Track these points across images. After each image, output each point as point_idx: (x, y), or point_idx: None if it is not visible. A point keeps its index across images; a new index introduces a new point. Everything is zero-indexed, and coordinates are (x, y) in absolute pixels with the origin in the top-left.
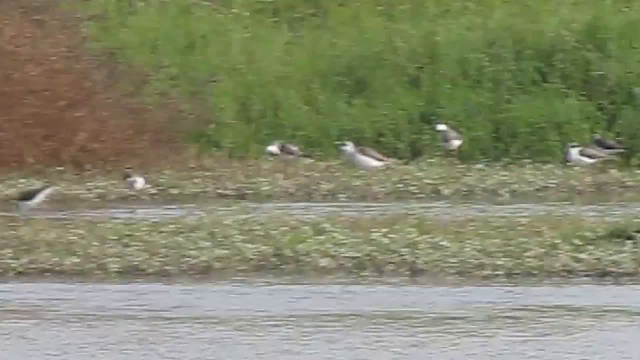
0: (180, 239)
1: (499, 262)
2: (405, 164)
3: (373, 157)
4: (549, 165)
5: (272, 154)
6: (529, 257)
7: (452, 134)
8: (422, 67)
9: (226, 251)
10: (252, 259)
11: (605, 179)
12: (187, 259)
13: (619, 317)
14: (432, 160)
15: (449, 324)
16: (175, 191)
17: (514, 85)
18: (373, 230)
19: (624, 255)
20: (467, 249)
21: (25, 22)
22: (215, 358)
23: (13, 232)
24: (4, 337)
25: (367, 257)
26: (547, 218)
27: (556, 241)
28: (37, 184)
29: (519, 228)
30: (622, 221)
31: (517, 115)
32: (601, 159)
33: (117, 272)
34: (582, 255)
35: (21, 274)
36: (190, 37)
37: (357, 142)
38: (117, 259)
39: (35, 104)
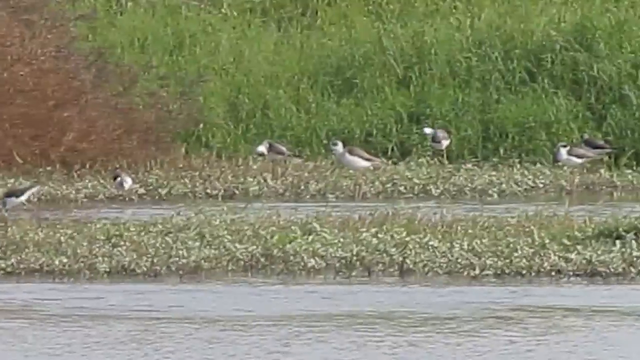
0: (169, 239)
1: (488, 262)
2: (394, 163)
3: (362, 157)
4: (538, 165)
5: (261, 155)
6: (518, 257)
7: (441, 134)
8: (410, 67)
9: (215, 251)
10: (241, 259)
11: (595, 179)
12: (176, 259)
13: (609, 317)
14: (421, 160)
15: (439, 324)
16: (163, 191)
17: (503, 85)
18: (362, 230)
19: (613, 255)
20: (456, 249)
21: (13, 21)
22: (206, 358)
23: (1, 232)
24: None
25: (356, 257)
26: (536, 218)
27: (545, 241)
28: (25, 183)
29: (508, 228)
30: (611, 221)
31: (506, 115)
32: (590, 158)
33: (106, 272)
34: (572, 255)
35: (10, 274)
36: (179, 37)
37: (346, 142)
38: (106, 259)
39: (23, 104)
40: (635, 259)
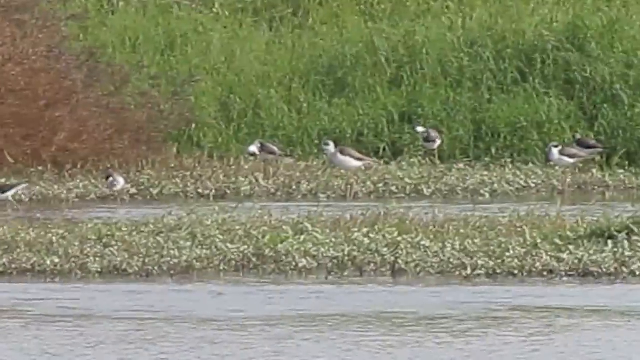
0: (161, 239)
1: (480, 262)
2: (386, 163)
3: (353, 156)
4: (530, 165)
5: (252, 155)
6: (510, 257)
7: (433, 133)
8: (402, 67)
9: (207, 251)
10: (232, 259)
11: (587, 179)
12: (168, 259)
13: (601, 317)
14: (413, 160)
15: (431, 324)
16: (155, 191)
17: (495, 85)
18: (354, 230)
19: (605, 255)
20: (448, 249)
21: (5, 21)
22: (200, 358)
23: None
24: None
25: (348, 257)
26: (528, 218)
27: (537, 241)
28: (14, 181)
29: (500, 228)
30: (603, 221)
31: (498, 115)
32: (582, 158)
33: (98, 272)
34: (564, 255)
35: (1, 274)
36: (171, 36)
37: (338, 142)
38: (98, 259)
39: (15, 104)
40: (627, 258)
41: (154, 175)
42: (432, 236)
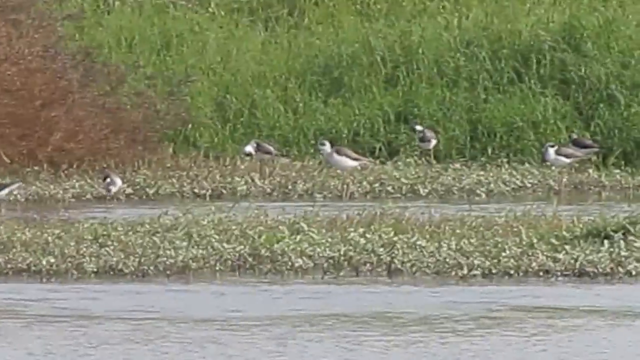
0: (157, 239)
1: (476, 262)
2: (382, 163)
3: (349, 156)
4: (526, 165)
5: (248, 155)
6: (506, 257)
7: (428, 133)
8: (398, 67)
9: (203, 251)
10: (228, 259)
11: (583, 179)
12: (164, 259)
13: (597, 317)
14: (409, 159)
15: (432, 324)
16: (151, 191)
17: (491, 85)
18: (350, 230)
19: (601, 255)
20: (444, 249)
21: (0, 21)
22: (203, 358)
23: None
24: None
25: (344, 257)
26: (524, 218)
27: (533, 241)
28: (8, 181)
29: (496, 228)
30: (599, 221)
31: (494, 115)
32: (578, 158)
33: (94, 272)
34: (560, 255)
35: None
36: (166, 36)
37: (334, 142)
38: (94, 259)
39: (10, 104)
40: (623, 258)
41: (150, 175)
42: (428, 236)
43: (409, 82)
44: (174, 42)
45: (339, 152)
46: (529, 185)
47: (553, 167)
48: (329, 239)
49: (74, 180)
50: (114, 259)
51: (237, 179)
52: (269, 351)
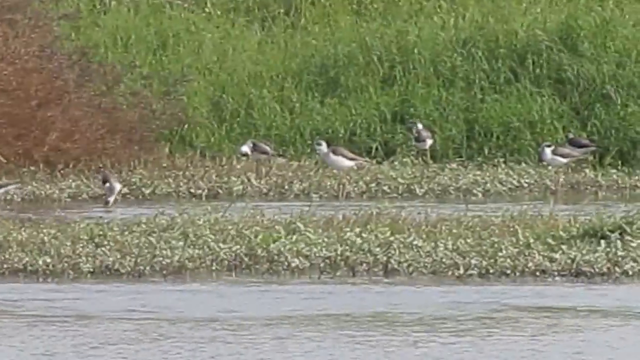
0: (153, 238)
1: (472, 262)
2: (379, 163)
3: (346, 156)
4: (523, 165)
5: (244, 155)
6: (502, 256)
7: (424, 133)
8: (394, 67)
9: (199, 251)
10: (225, 259)
11: (579, 179)
12: (160, 258)
13: (593, 317)
14: (406, 159)
15: (423, 324)
16: (147, 190)
17: (487, 85)
18: (346, 229)
19: (598, 255)
20: (441, 249)
21: None
22: (211, 358)
23: None
24: None
25: (340, 257)
26: (520, 218)
27: (530, 241)
28: (5, 181)
29: (493, 228)
30: (596, 221)
31: (491, 115)
32: (575, 158)
33: (90, 272)
34: (556, 255)
35: None
36: (163, 36)
37: (330, 142)
38: (90, 259)
39: (6, 104)
40: (620, 258)
41: (146, 175)
42: (424, 236)
43: (406, 82)
44: (170, 41)
45: (335, 152)
46: (526, 185)
47: (550, 167)
48: (326, 239)
49: (70, 180)
50: (110, 259)
51: (233, 178)
52: (266, 351)
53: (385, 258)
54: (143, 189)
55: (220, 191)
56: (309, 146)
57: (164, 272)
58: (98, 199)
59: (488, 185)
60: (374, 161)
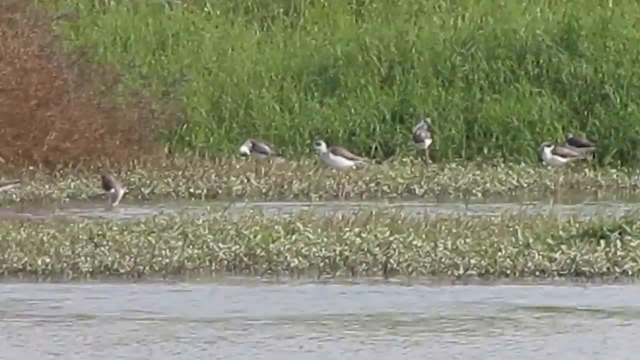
0: (152, 238)
1: (472, 262)
2: (378, 163)
3: (345, 156)
4: (522, 165)
5: (244, 155)
6: (502, 256)
7: (423, 133)
8: (394, 67)
9: (198, 251)
10: (224, 259)
11: (579, 178)
12: (159, 258)
13: (593, 317)
14: (405, 159)
15: (423, 324)
16: (146, 190)
17: (487, 85)
18: (345, 229)
19: (597, 254)
20: (440, 249)
21: None
22: (193, 358)
23: None
24: None
25: (340, 257)
26: (520, 217)
27: (529, 241)
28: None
29: (492, 227)
30: (595, 220)
31: (490, 115)
32: (574, 158)
33: (89, 272)
34: (556, 255)
35: None
36: (162, 36)
37: (330, 142)
38: (89, 259)
39: (6, 103)
40: (619, 258)
41: (146, 175)
42: (424, 236)
43: (405, 82)
44: (170, 41)
45: (334, 152)
46: (525, 184)
47: (549, 167)
48: (325, 239)
49: (70, 180)
50: (110, 258)
51: (232, 178)
52: (270, 351)
53: (384, 258)
54: (142, 189)
55: (219, 191)
56: (308, 146)
57: (163, 272)
58: (97, 199)
59: (487, 185)
60: (374, 161)
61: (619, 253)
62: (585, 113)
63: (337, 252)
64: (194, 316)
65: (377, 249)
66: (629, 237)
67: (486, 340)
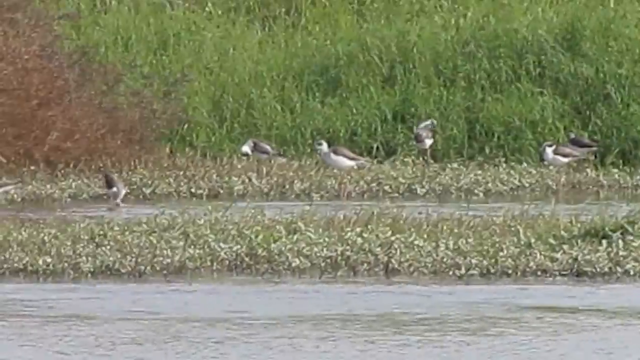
0: (153, 238)
1: (473, 262)
2: (380, 163)
3: (346, 156)
4: (524, 165)
5: (245, 155)
6: (503, 256)
7: (423, 133)
8: (395, 66)
9: (199, 251)
10: (225, 259)
11: (581, 178)
12: (160, 258)
13: (595, 317)
14: (407, 159)
15: (424, 324)
16: (148, 190)
17: (488, 85)
18: (347, 229)
19: (599, 254)
20: (442, 249)
21: None
22: (194, 358)
23: None
24: None
25: (341, 257)
26: (522, 217)
27: (531, 241)
28: (7, 180)
29: (494, 227)
30: (597, 220)
31: (492, 115)
32: (576, 157)
33: (90, 272)
34: (558, 255)
35: None
36: (163, 36)
37: (331, 141)
38: (90, 259)
39: (7, 103)
40: (621, 258)
41: (147, 175)
42: (425, 236)
43: (407, 82)
44: (171, 41)
45: (336, 152)
46: (527, 184)
47: (551, 167)
48: (326, 239)
49: (71, 180)
50: (111, 258)
51: (234, 178)
52: (274, 351)
53: (386, 258)
54: (144, 189)
55: (221, 191)
56: (309, 146)
57: (165, 272)
58: (99, 198)
59: (489, 184)
60: (375, 161)
61: (620, 253)
62: (587, 113)
63: (339, 252)
64: (196, 316)
65: (379, 249)
66: (631, 237)
67: (486, 340)
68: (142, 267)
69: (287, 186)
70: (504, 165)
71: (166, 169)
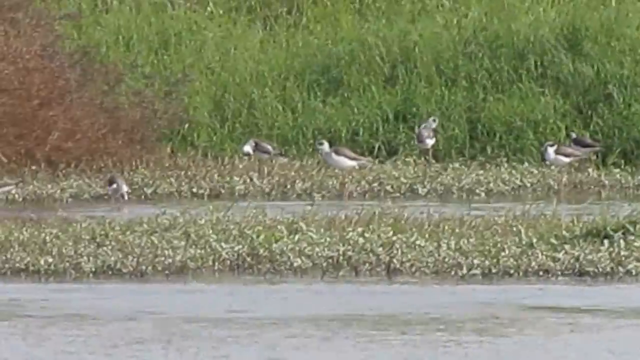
0: (155, 238)
1: (475, 262)
2: (381, 162)
3: (348, 156)
4: (526, 164)
5: (247, 154)
6: (505, 256)
7: (425, 133)
8: (397, 66)
9: (201, 251)
10: (227, 259)
11: (582, 178)
12: (162, 258)
13: (597, 317)
14: (408, 159)
15: (425, 324)
16: (149, 190)
17: (490, 84)
18: (348, 229)
19: (601, 254)
20: (443, 249)
21: None
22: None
23: None
24: None
25: (343, 257)
26: (523, 217)
27: (533, 240)
28: (9, 180)
29: (496, 227)
30: (599, 220)
31: (493, 114)
32: (578, 157)
33: (92, 272)
34: (559, 255)
35: None
36: (164, 35)
37: (333, 141)
38: (92, 259)
39: (8, 103)
40: (623, 258)
41: (148, 175)
42: (427, 236)
43: (408, 82)
44: (172, 41)
45: (337, 152)
46: (529, 184)
47: (552, 167)
48: (328, 239)
49: (72, 180)
50: (112, 258)
51: (235, 178)
52: (277, 351)
53: (387, 258)
54: (145, 189)
55: (222, 191)
56: (311, 146)
57: (166, 271)
58: (100, 198)
59: (491, 184)
60: (377, 161)
61: (622, 253)
62: (589, 113)
63: (340, 252)
64: (197, 316)
65: (381, 248)
66: (633, 237)
67: (488, 340)
68: (144, 267)
69: (289, 186)
70: (506, 165)
71: (167, 169)
